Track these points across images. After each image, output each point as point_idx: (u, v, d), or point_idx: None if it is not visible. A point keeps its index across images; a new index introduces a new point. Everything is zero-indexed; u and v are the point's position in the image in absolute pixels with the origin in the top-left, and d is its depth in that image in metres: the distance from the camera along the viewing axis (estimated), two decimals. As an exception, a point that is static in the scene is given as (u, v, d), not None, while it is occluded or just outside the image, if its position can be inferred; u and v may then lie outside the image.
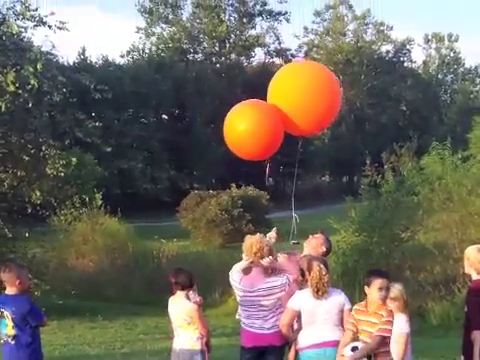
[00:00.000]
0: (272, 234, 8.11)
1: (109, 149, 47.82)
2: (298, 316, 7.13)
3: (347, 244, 20.49)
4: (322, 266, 6.99)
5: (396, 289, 7.13)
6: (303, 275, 7.29)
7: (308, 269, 7.06)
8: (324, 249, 7.95)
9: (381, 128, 71.11)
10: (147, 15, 71.50)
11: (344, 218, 21.39)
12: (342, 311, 7.03)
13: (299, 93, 8.10)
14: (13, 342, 7.25)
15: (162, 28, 71.42)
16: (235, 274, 7.52)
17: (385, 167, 22.67)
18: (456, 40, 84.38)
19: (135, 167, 52.03)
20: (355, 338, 6.83)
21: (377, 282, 6.74)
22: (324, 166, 75.85)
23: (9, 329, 7.22)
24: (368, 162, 21.50)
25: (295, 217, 8.51)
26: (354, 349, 6.64)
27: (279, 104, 8.15)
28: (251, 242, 7.46)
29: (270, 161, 8.58)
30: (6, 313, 7.20)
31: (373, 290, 6.73)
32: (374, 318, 6.72)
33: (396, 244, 20.16)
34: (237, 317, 7.71)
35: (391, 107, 75.39)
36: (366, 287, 6.81)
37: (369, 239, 20.15)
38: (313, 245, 8.00)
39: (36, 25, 16.28)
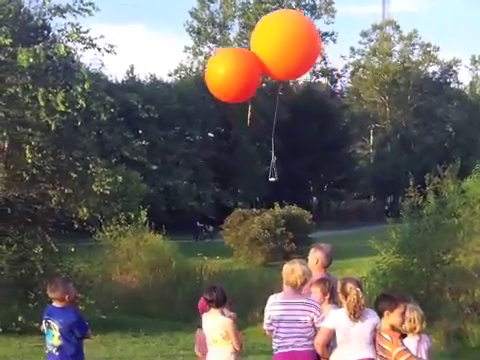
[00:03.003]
0: None
1: (155, 167, 48.39)
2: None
3: (387, 265, 20.55)
4: (358, 289, 6.93)
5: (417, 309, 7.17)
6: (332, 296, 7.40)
7: (343, 292, 7.00)
8: (314, 262, 8.00)
9: (427, 149, 70.67)
10: (195, 35, 72.49)
11: (386, 239, 21.45)
12: (375, 330, 6.96)
13: (275, 41, 8.36)
14: (58, 353, 7.47)
15: (210, 47, 72.26)
16: (271, 297, 7.59)
17: (427, 189, 22.61)
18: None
19: (180, 184, 52.53)
20: None
21: (402, 306, 6.74)
22: (368, 186, 75.55)
23: (55, 339, 7.45)
24: (411, 183, 21.52)
25: (273, 156, 8.80)
26: None
27: (257, 51, 8.48)
28: (295, 277, 7.33)
29: (251, 104, 8.87)
30: (53, 324, 7.44)
31: (397, 315, 6.70)
32: (402, 345, 6.73)
33: (437, 266, 20.13)
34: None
35: (437, 128, 75.00)
36: (387, 312, 6.69)
37: (409, 260, 20.18)
38: (311, 264, 8.03)
39: (86, 47, 16.63)
